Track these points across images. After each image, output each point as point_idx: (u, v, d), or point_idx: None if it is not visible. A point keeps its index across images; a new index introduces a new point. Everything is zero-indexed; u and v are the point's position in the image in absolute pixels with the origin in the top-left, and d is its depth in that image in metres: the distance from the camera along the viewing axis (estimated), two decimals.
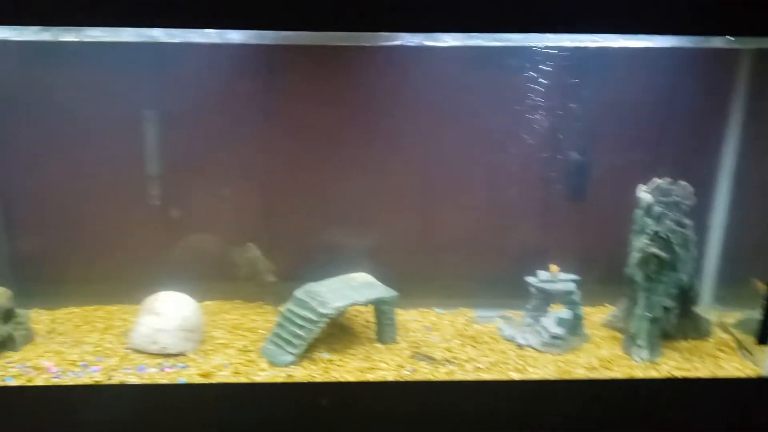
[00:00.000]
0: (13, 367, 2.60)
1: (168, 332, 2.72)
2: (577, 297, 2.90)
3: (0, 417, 2.51)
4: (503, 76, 2.93)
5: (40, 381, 2.54)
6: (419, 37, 2.36)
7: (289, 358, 2.66)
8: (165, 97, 2.93)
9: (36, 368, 2.60)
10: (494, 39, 2.48)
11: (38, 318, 3.01)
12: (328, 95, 2.97)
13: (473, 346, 2.86)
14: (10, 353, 2.71)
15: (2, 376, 2.55)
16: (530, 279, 2.98)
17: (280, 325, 2.77)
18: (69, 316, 3.06)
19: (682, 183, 2.78)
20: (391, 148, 3.08)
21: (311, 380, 2.59)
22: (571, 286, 2.91)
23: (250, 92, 2.95)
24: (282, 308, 3.09)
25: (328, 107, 2.99)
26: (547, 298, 2.98)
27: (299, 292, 2.81)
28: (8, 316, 2.75)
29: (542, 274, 2.97)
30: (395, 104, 3.00)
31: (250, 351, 2.78)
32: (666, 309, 2.76)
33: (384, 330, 2.86)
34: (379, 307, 2.84)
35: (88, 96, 2.87)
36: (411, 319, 3.10)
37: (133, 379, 2.56)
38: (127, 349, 2.77)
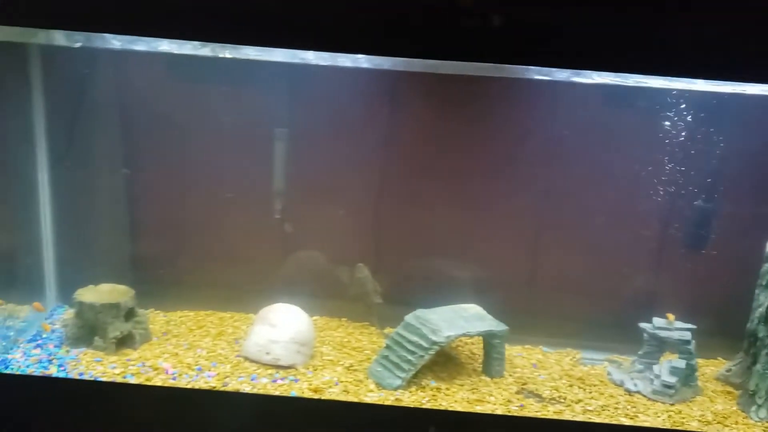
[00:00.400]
0: (133, 365, 2.70)
1: (281, 344, 2.77)
2: (692, 347, 2.83)
3: (119, 413, 2.60)
4: (634, 118, 2.90)
5: (158, 381, 2.63)
6: (564, 73, 2.38)
7: (398, 381, 2.68)
8: (296, 116, 3.01)
9: (154, 368, 2.69)
10: (632, 79, 2.48)
11: (154, 318, 3.12)
12: (454, 126, 2.99)
13: (581, 388, 2.81)
14: (129, 351, 2.81)
15: (123, 373, 2.65)
16: (644, 325, 2.92)
17: (389, 348, 2.79)
18: (183, 319, 3.15)
19: None
20: (510, 183, 3.08)
21: (420, 406, 2.60)
22: (687, 335, 2.84)
23: (377, 118, 3.00)
24: (387, 331, 3.14)
25: (452, 138, 3.02)
26: (661, 345, 2.91)
27: (410, 318, 2.83)
28: (130, 314, 2.86)
29: (657, 321, 2.91)
30: (520, 138, 3.01)
31: (357, 370, 2.80)
32: None
33: (492, 363, 2.84)
34: (489, 340, 2.83)
35: (222, 110, 2.98)
36: (516, 354, 3.08)
37: (247, 388, 2.62)
38: (238, 356, 2.83)
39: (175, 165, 3.11)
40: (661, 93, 2.78)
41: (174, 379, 2.64)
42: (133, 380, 2.61)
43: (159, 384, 2.60)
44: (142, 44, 2.40)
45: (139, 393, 2.59)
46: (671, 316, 2.92)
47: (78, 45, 2.43)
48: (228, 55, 2.37)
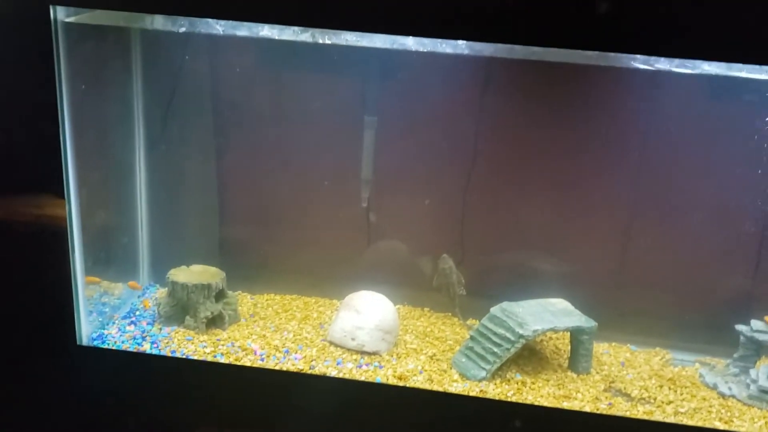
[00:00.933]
0: (223, 345, 2.77)
1: (366, 330, 2.79)
2: None
3: (209, 392, 2.67)
4: (738, 111, 2.79)
5: (247, 362, 2.69)
6: (672, 62, 2.30)
7: (483, 373, 2.66)
8: (386, 104, 3.01)
9: (243, 349, 2.75)
10: (737, 69, 2.39)
11: (242, 300, 3.18)
12: (549, 117, 2.94)
13: (672, 389, 2.73)
14: (219, 331, 2.88)
15: (213, 352, 2.72)
16: (741, 327, 2.81)
17: (473, 339, 2.77)
18: (269, 302, 3.20)
19: None
20: (602, 177, 3.01)
21: (505, 399, 2.58)
22: None
23: (468, 106, 2.97)
24: (470, 322, 3.12)
25: (545, 129, 2.96)
26: (758, 349, 2.79)
27: (496, 310, 2.80)
28: (220, 295, 2.93)
29: (755, 324, 2.80)
30: (619, 130, 2.93)
31: (440, 360, 2.80)
32: None
33: (579, 359, 2.79)
34: (578, 336, 2.78)
35: (313, 98, 3.01)
36: (603, 352, 3.01)
37: (333, 372, 2.65)
38: (324, 341, 2.86)
39: (265, 151, 3.16)
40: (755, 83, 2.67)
41: (262, 360, 2.70)
42: (223, 359, 2.68)
43: (248, 364, 2.67)
44: (244, 29, 2.43)
45: (229, 372, 2.66)
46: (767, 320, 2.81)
47: (182, 30, 2.49)
48: (328, 41, 2.39)
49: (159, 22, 2.56)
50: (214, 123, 3.13)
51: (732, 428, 2.51)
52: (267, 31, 2.40)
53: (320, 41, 2.38)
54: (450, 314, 3.22)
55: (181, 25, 2.48)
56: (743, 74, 2.41)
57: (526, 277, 3.12)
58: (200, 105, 3.09)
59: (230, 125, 3.14)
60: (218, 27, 2.43)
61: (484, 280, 3.20)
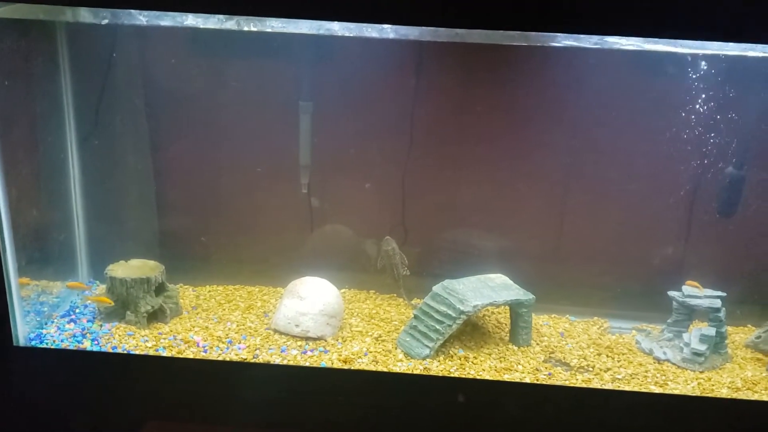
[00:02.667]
0: (164, 339, 2.75)
1: (310, 316, 2.80)
2: (722, 314, 2.82)
3: (153, 386, 2.65)
4: (662, 85, 2.86)
5: (189, 354, 2.67)
6: (592, 39, 2.35)
7: (426, 351, 2.70)
8: (321, 89, 3.01)
9: (185, 341, 2.74)
10: (659, 43, 2.45)
11: (184, 293, 3.16)
12: (482, 97, 2.98)
13: (609, 356, 2.82)
14: (160, 324, 2.86)
15: (155, 346, 2.70)
16: (674, 293, 2.91)
17: (417, 318, 2.80)
18: (212, 293, 3.19)
19: None
20: (536, 153, 3.06)
21: (448, 374, 2.62)
22: (717, 303, 2.83)
23: (403, 89, 2.99)
24: (415, 302, 3.16)
25: (479, 109, 3.00)
26: (690, 313, 2.90)
27: (438, 288, 2.84)
28: (160, 289, 2.90)
29: (686, 289, 2.90)
30: (545, 108, 2.98)
31: (385, 341, 2.83)
32: None
33: (519, 332, 2.85)
34: (516, 309, 2.84)
35: (247, 84, 2.99)
36: (543, 323, 3.08)
37: (277, 359, 2.66)
38: (268, 329, 2.87)
39: (201, 141, 3.13)
40: (690, 59, 2.74)
41: (205, 351, 2.69)
42: (165, 353, 2.66)
43: (191, 356, 2.65)
44: (167, 19, 2.40)
45: (171, 365, 2.65)
46: (693, 283, 2.91)
47: (105, 22, 2.44)
48: (253, 28, 2.37)
49: (81, 14, 2.51)
50: (147, 115, 3.08)
51: (667, 391, 2.60)
52: (192, 20, 2.37)
53: (245, 29, 2.36)
54: (395, 295, 3.26)
55: (104, 17, 2.43)
56: (662, 48, 2.48)
57: (468, 255, 3.17)
58: (132, 97, 3.04)
59: (164, 116, 3.10)
60: (141, 18, 2.39)
61: (428, 259, 3.24)
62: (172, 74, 3.01)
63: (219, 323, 2.90)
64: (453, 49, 2.77)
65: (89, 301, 2.98)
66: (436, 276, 2.93)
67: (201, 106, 3.06)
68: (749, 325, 3.14)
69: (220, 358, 2.65)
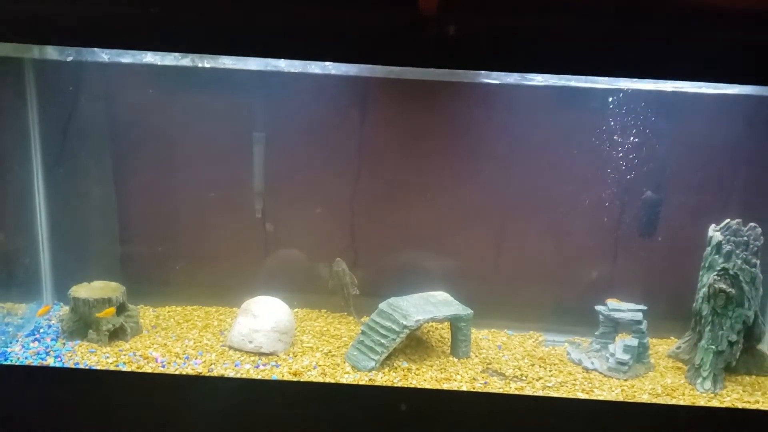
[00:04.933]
0: (125, 355, 2.90)
1: (263, 333, 2.98)
2: (644, 326, 3.05)
3: (112, 399, 2.79)
4: (583, 117, 3.13)
5: (148, 369, 2.83)
6: (514, 76, 2.61)
7: (372, 363, 2.89)
8: (273, 121, 3.23)
9: (145, 357, 2.89)
10: (580, 80, 2.72)
11: (144, 313, 3.32)
12: (420, 127, 3.22)
13: (542, 367, 3.03)
14: (121, 342, 3.01)
15: (116, 362, 2.85)
16: (600, 307, 3.15)
17: (364, 333, 3.00)
18: (171, 313, 3.36)
19: (752, 224, 2.93)
20: (472, 179, 3.31)
21: (392, 385, 2.81)
22: (639, 316, 3.06)
23: (349, 120, 3.22)
24: (364, 320, 3.34)
25: (418, 138, 3.24)
26: (615, 326, 3.13)
27: (383, 305, 3.04)
28: (121, 309, 3.06)
29: (611, 303, 3.14)
30: (481, 139, 3.24)
31: (334, 355, 3.01)
32: (731, 343, 2.88)
33: (458, 345, 3.06)
34: (456, 323, 3.05)
35: (203, 117, 3.20)
36: (483, 337, 3.30)
37: (231, 373, 2.83)
38: (223, 346, 3.04)
39: (161, 169, 3.32)
40: (609, 92, 3.02)
41: (163, 366, 2.84)
42: (125, 368, 2.81)
43: (149, 371, 2.81)
44: (128, 57, 2.61)
45: (130, 380, 2.79)
46: (615, 300, 3.15)
47: (70, 59, 2.64)
48: (207, 65, 2.59)
49: (48, 51, 2.71)
50: (111, 145, 3.27)
51: (592, 397, 2.82)
52: (150, 57, 2.58)
53: (199, 65, 2.58)
54: (345, 314, 3.46)
55: (68, 54, 2.64)
56: (583, 84, 2.76)
57: (414, 275, 3.37)
58: (96, 128, 3.23)
59: (126, 147, 3.29)
60: (104, 56, 2.60)
61: (376, 279, 3.45)
62: (133, 107, 3.21)
63: (177, 341, 3.06)
64: (395, 83, 3.02)
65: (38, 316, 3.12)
66: (385, 295, 3.12)
67: (160, 137, 3.26)
68: (672, 337, 3.38)
69: (176, 372, 2.81)
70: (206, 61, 2.58)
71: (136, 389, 2.79)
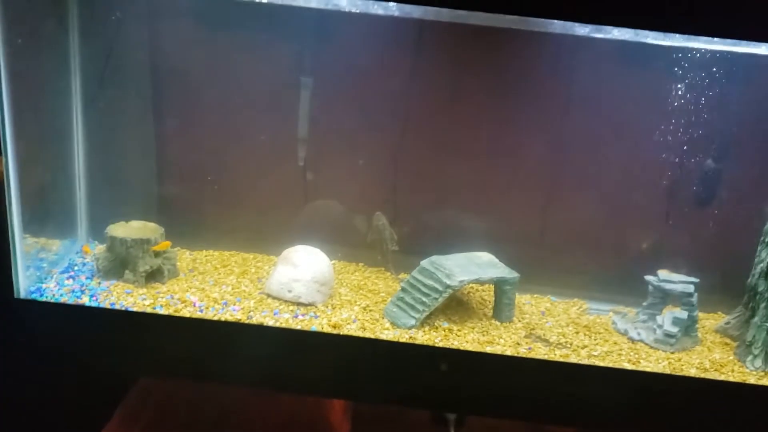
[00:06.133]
0: (162, 298, 2.84)
1: (302, 282, 2.91)
2: (694, 299, 2.96)
3: (149, 342, 2.75)
4: (649, 77, 2.99)
5: (186, 313, 2.77)
6: (585, 28, 2.46)
7: (412, 321, 2.82)
8: (321, 65, 3.11)
9: (183, 301, 2.83)
10: (650, 36, 2.57)
11: (181, 256, 3.26)
12: (473, 79, 3.09)
13: (587, 335, 2.95)
14: (158, 284, 2.95)
15: (153, 304, 2.79)
16: (650, 277, 3.05)
17: (404, 290, 2.92)
18: (208, 258, 3.29)
19: None
20: (526, 139, 3.19)
21: (433, 344, 2.74)
22: (690, 288, 2.97)
23: (399, 67, 3.09)
24: (402, 276, 3.27)
25: (471, 91, 3.11)
26: (665, 297, 3.04)
27: (426, 263, 2.95)
28: (159, 251, 2.99)
29: (662, 274, 3.04)
30: (535, 94, 3.10)
31: (372, 310, 2.94)
32: None
33: (502, 308, 2.98)
34: (501, 286, 2.96)
35: (249, 57, 3.08)
36: (526, 302, 3.22)
37: (270, 322, 2.76)
38: (262, 293, 2.97)
39: (204, 110, 3.22)
40: (676, 51, 2.87)
41: (201, 311, 2.79)
42: (162, 311, 2.76)
43: (187, 315, 2.76)
44: None
45: (168, 323, 2.74)
46: (666, 271, 3.05)
47: None
48: (263, 0, 2.46)
49: None
50: (152, 81, 3.16)
51: (639, 368, 2.74)
52: None
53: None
54: (383, 269, 3.37)
55: None
56: (650, 40, 2.60)
57: (455, 234, 3.28)
58: (137, 63, 3.13)
59: (168, 84, 3.18)
60: None
61: (416, 236, 3.36)
62: (177, 43, 3.09)
63: (215, 286, 3.00)
64: (451, 30, 2.88)
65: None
66: (424, 254, 3.02)
67: (204, 76, 3.15)
68: (720, 313, 3.29)
69: (215, 318, 2.75)
70: None
71: (173, 333, 2.74)
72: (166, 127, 3.24)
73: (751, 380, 2.73)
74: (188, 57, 3.10)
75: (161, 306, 2.78)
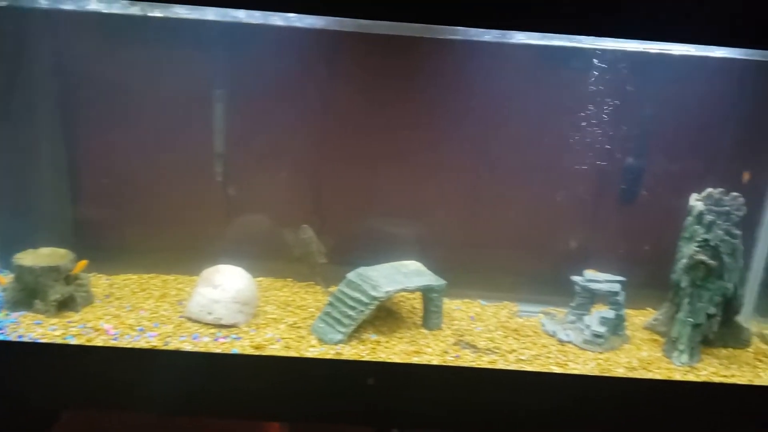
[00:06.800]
0: (74, 327, 2.72)
1: (223, 303, 2.81)
2: (621, 298, 2.95)
3: (59, 373, 2.62)
4: (565, 78, 2.98)
5: (99, 342, 2.65)
6: (493, 33, 2.43)
7: (339, 336, 2.75)
8: (235, 78, 3.02)
9: (95, 329, 2.71)
10: (560, 39, 2.55)
11: (97, 282, 3.13)
12: (391, 86, 3.03)
13: (516, 339, 2.92)
14: (71, 313, 2.82)
15: (64, 334, 2.66)
16: (576, 278, 3.04)
17: (331, 304, 2.85)
18: (126, 282, 3.17)
19: (734, 194, 2.82)
20: (447, 143, 3.15)
21: (359, 359, 2.68)
22: (617, 287, 2.96)
23: (316, 79, 3.02)
24: (332, 289, 3.19)
25: (390, 98, 3.06)
26: (592, 297, 3.03)
27: (352, 275, 2.89)
28: (71, 277, 2.86)
29: (588, 274, 3.03)
30: (455, 99, 3.06)
31: (300, 327, 2.86)
32: (709, 316, 2.80)
33: (430, 317, 2.93)
34: (428, 294, 2.91)
35: (159, 72, 2.97)
36: (456, 308, 3.17)
37: (188, 347, 2.66)
38: (182, 317, 2.87)
39: (117, 129, 3.09)
40: (590, 53, 2.86)
41: (116, 339, 2.67)
42: (74, 341, 2.63)
43: (100, 344, 2.64)
44: (69, 3, 2.37)
45: (80, 353, 2.62)
46: (593, 270, 3.04)
47: (4, 4, 2.40)
48: (158, 14, 2.37)
49: None
50: (60, 101, 3.03)
51: (567, 371, 2.72)
52: (95, 4, 2.35)
53: (149, 14, 2.36)
54: (313, 283, 3.30)
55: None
56: (565, 43, 2.59)
57: (385, 243, 3.22)
58: (43, 81, 2.99)
59: (79, 102, 3.05)
60: (42, 1, 2.36)
61: (345, 247, 3.29)
62: (82, 61, 2.97)
63: (132, 311, 2.88)
64: (365, 39, 2.82)
65: None
66: (354, 264, 2.97)
67: (114, 94, 3.03)
68: (649, 308, 3.30)
69: (129, 346, 2.64)
70: (158, 11, 2.35)
71: (84, 364, 2.62)
72: (79, 147, 3.11)
73: (677, 376, 2.73)
74: (99, 74, 2.98)
75: (72, 336, 2.66)
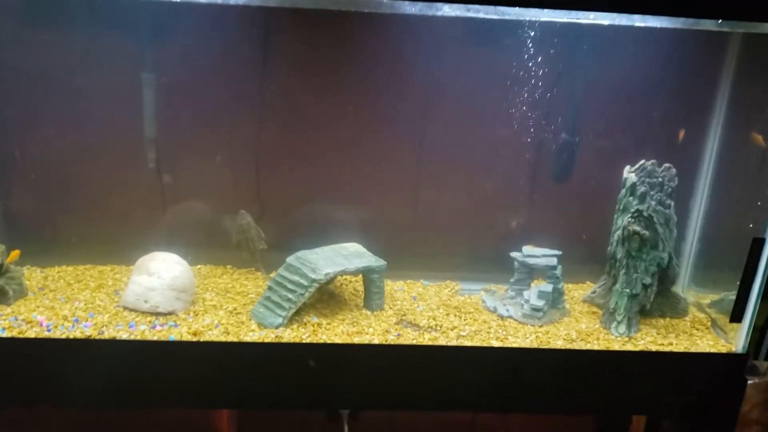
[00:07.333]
0: (5, 320, 2.65)
1: (159, 291, 2.76)
2: (558, 272, 2.99)
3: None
4: (493, 52, 2.99)
5: (31, 334, 2.59)
6: (417, 6, 2.42)
7: (279, 320, 2.72)
8: (166, 60, 2.96)
9: (28, 322, 2.64)
10: (489, 12, 2.54)
11: (31, 275, 3.05)
12: (326, 64, 3.01)
13: (457, 316, 2.94)
14: (2, 307, 2.74)
15: None
16: (514, 254, 3.06)
17: (270, 289, 2.82)
18: (61, 274, 3.09)
19: (667, 165, 2.87)
20: (383, 125, 3.14)
21: (300, 341, 2.66)
22: (554, 261, 3.00)
23: (250, 60, 2.98)
24: (272, 275, 3.16)
25: (325, 78, 3.03)
26: (530, 272, 3.06)
27: (291, 259, 2.86)
28: (2, 271, 2.79)
29: (526, 249, 3.06)
30: (389, 79, 3.05)
31: (240, 313, 2.83)
32: (645, 286, 2.85)
33: (372, 298, 2.93)
34: (368, 275, 2.91)
35: (89, 56, 2.90)
36: (398, 289, 3.18)
37: (124, 335, 2.61)
38: (118, 306, 2.81)
39: (43, 117, 3.00)
40: (518, 25, 2.87)
41: (49, 330, 2.61)
42: (4, 334, 2.56)
43: (32, 336, 2.57)
44: None
45: (10, 346, 2.56)
46: (531, 246, 3.08)
47: None
48: None
49: None
50: None
51: (506, 344, 2.74)
52: None
53: None
54: (253, 269, 3.26)
55: None
56: (493, 16, 2.57)
57: (326, 227, 3.20)
58: None
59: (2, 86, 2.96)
60: None
61: (285, 232, 3.26)
62: (8, 44, 2.88)
63: (66, 303, 2.81)
64: (298, 15, 2.79)
65: None
66: (295, 249, 2.93)
67: (36, 81, 2.93)
68: (588, 282, 3.34)
69: (63, 336, 2.58)
70: None
71: (16, 357, 2.56)
72: (5, 139, 3.02)
73: (615, 346, 2.77)
74: (19, 61, 2.89)
75: (3, 329, 2.59)
